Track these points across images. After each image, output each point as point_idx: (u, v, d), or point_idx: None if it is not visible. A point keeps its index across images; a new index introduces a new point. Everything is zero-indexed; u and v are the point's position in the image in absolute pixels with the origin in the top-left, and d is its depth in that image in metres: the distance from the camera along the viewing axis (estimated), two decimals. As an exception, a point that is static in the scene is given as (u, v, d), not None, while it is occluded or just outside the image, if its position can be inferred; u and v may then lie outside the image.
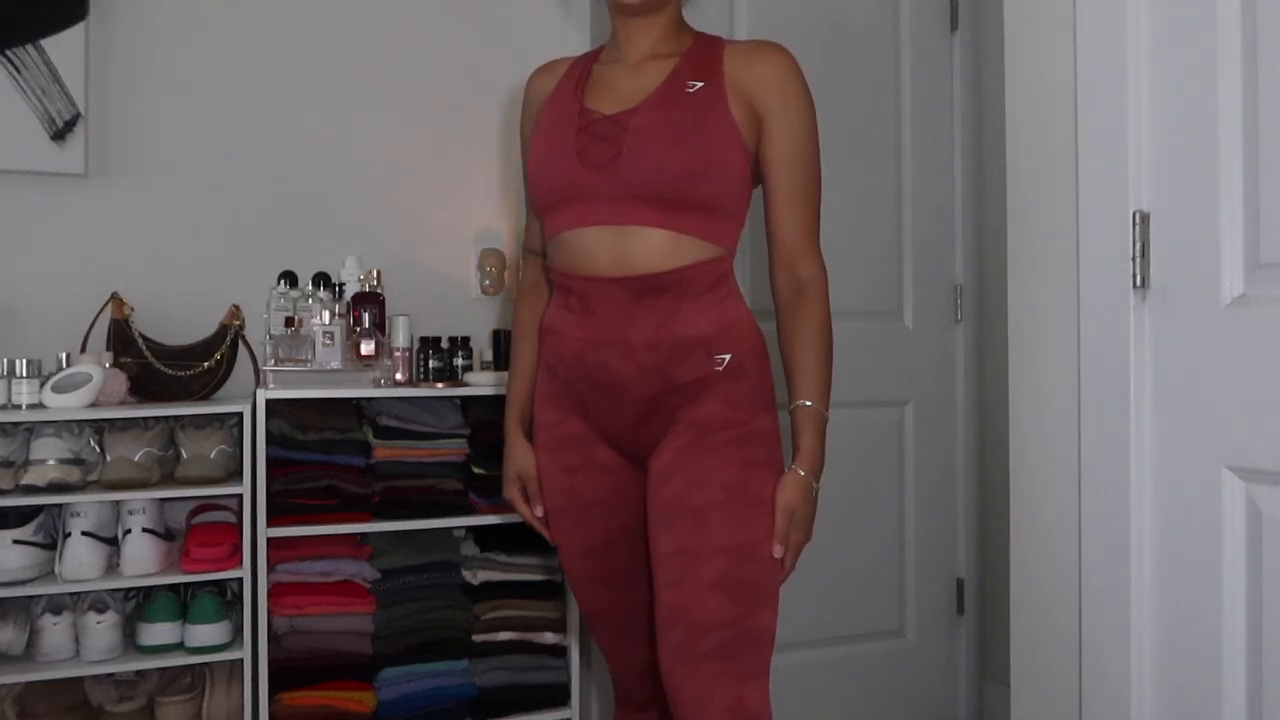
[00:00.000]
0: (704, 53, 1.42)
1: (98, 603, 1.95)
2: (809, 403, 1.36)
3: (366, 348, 2.18)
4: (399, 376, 2.21)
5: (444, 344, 2.25)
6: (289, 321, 2.17)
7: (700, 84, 1.37)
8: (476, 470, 2.16)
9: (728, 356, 1.38)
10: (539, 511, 1.52)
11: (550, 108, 1.45)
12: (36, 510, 1.94)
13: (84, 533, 1.91)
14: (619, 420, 1.42)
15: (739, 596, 1.30)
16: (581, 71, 1.47)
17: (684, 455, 1.36)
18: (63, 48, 2.13)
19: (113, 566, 1.97)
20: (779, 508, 1.33)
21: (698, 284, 1.36)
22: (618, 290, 1.35)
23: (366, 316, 2.19)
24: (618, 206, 1.34)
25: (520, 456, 1.52)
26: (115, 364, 2.04)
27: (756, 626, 1.30)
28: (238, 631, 2.04)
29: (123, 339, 2.06)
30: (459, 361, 2.24)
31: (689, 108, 1.35)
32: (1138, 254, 1.29)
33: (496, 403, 2.22)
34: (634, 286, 1.34)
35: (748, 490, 1.34)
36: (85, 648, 1.93)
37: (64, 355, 2.06)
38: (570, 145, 1.37)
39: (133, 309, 2.11)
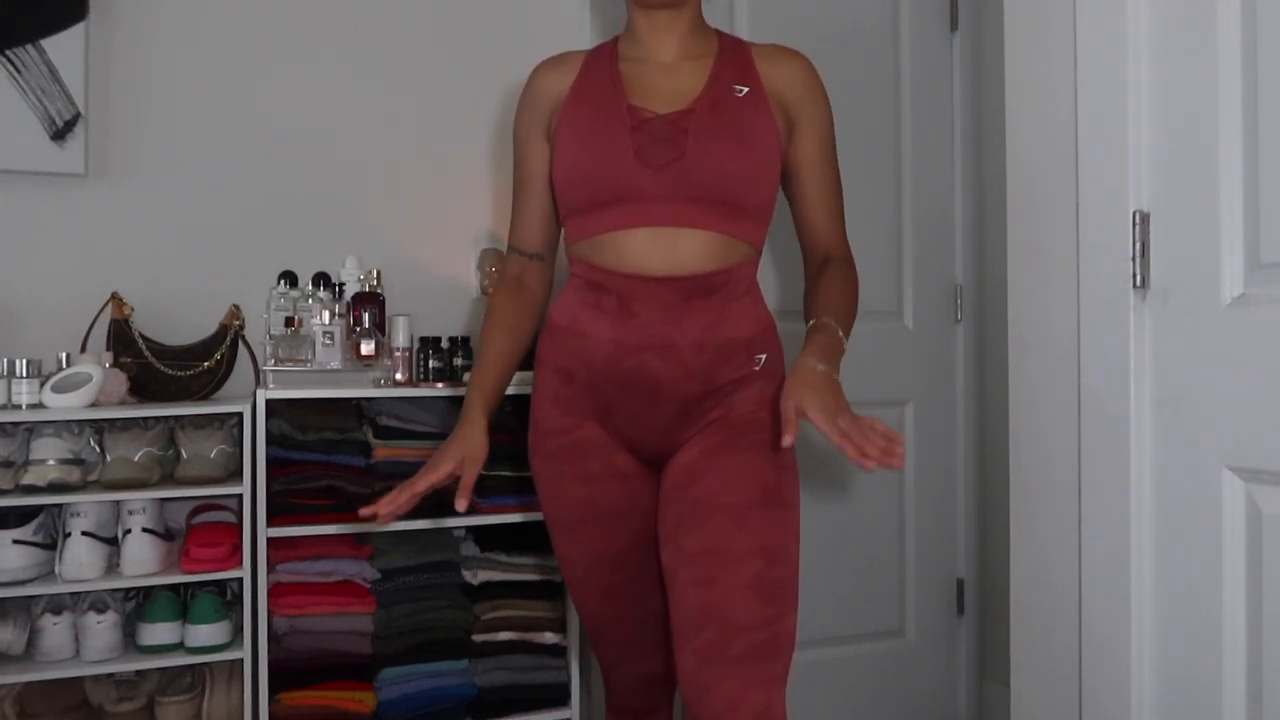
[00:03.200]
0: (736, 55, 1.42)
1: (98, 603, 1.95)
2: (828, 319, 1.32)
3: (366, 348, 2.18)
4: (399, 376, 2.20)
5: (444, 344, 2.25)
6: (289, 321, 2.17)
7: (746, 89, 1.37)
8: (476, 470, 2.16)
9: (764, 356, 1.39)
10: (438, 483, 1.34)
11: (581, 104, 1.40)
12: (36, 510, 1.94)
13: (84, 533, 1.91)
14: (651, 424, 1.39)
15: (771, 598, 1.28)
16: (608, 67, 1.42)
17: (714, 454, 1.35)
18: (63, 48, 2.12)
19: (113, 566, 1.97)
20: (812, 392, 1.18)
21: (740, 285, 1.37)
22: (667, 290, 1.33)
23: (366, 316, 2.19)
24: (674, 208, 1.33)
25: (478, 442, 1.36)
26: (115, 364, 2.04)
27: (785, 630, 1.29)
28: (238, 631, 2.04)
29: (123, 339, 2.06)
30: (459, 361, 2.23)
31: (739, 112, 1.36)
32: (1138, 254, 1.29)
33: (496, 403, 2.22)
34: (684, 287, 1.33)
35: (781, 493, 1.34)
36: (85, 648, 1.93)
37: (64, 355, 2.06)
38: (625, 144, 1.34)
39: (133, 309, 2.11)
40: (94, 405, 1.94)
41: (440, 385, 2.20)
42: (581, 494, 1.43)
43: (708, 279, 1.34)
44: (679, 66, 1.40)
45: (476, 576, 2.15)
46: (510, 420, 2.18)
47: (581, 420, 1.42)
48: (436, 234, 2.45)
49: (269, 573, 2.02)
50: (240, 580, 2.00)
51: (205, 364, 2.10)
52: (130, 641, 2.00)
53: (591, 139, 1.37)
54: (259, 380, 2.17)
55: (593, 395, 1.40)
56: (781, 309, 2.29)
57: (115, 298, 2.09)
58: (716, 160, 1.32)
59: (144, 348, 2.07)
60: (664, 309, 1.34)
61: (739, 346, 1.37)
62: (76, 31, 2.14)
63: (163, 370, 2.07)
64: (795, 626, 1.31)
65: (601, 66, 1.43)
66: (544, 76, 1.47)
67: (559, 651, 2.20)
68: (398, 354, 2.21)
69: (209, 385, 2.11)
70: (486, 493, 2.14)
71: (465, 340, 2.27)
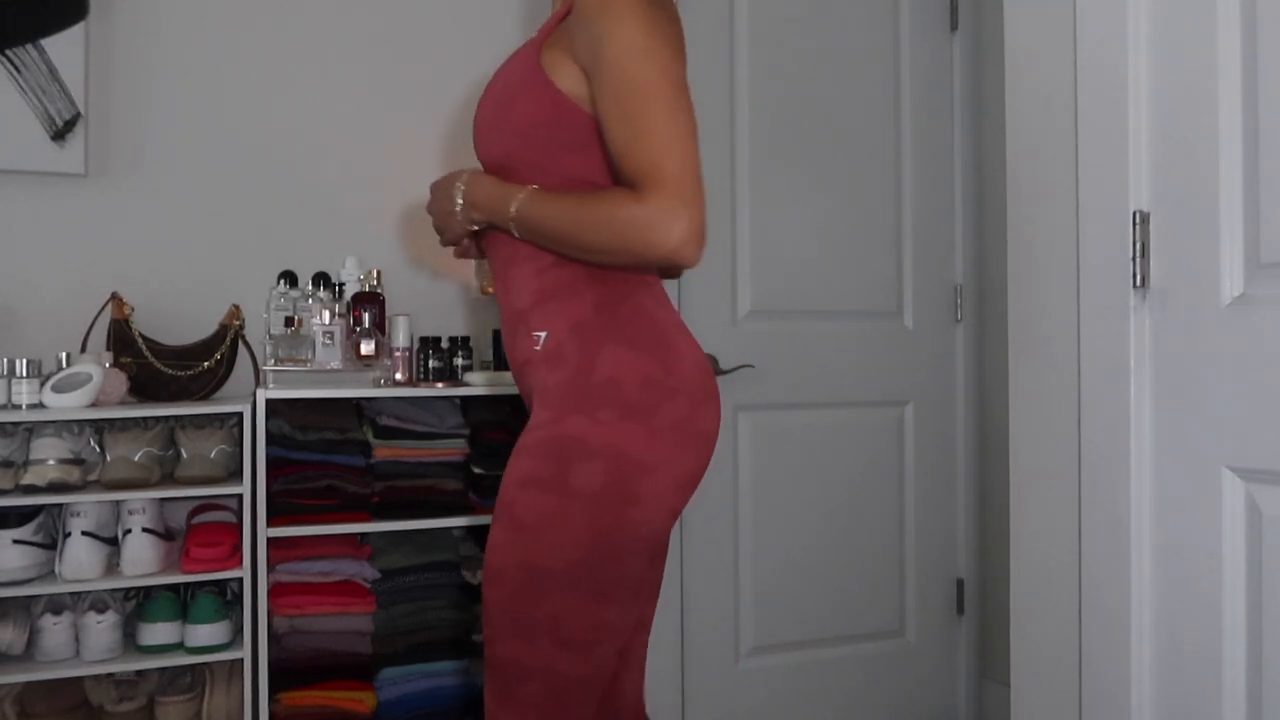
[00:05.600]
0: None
1: (98, 603, 1.95)
2: (536, 189, 1.17)
3: (366, 348, 2.18)
4: (399, 376, 2.20)
5: (444, 344, 2.25)
6: (289, 321, 2.17)
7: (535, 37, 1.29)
8: (476, 470, 2.16)
9: (544, 334, 1.19)
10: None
11: None
12: (36, 510, 1.94)
13: (84, 533, 1.91)
14: None
15: (486, 624, 1.16)
16: None
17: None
18: (63, 48, 2.13)
19: (113, 566, 1.97)
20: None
21: (515, 249, 1.26)
22: (493, 261, 1.34)
23: (366, 316, 2.19)
24: None
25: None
26: (115, 364, 2.04)
27: (495, 657, 1.15)
28: (238, 631, 2.04)
29: (123, 339, 2.06)
30: (459, 361, 2.23)
31: (509, 66, 1.33)
32: (1138, 254, 1.29)
33: (496, 403, 2.22)
34: (497, 255, 1.32)
35: (512, 510, 1.14)
36: (85, 648, 1.93)
37: (64, 355, 2.06)
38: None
39: (133, 309, 2.11)
40: (94, 405, 1.94)
41: (440, 385, 2.20)
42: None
43: (492, 243, 1.29)
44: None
45: (476, 576, 2.15)
46: (511, 420, 2.19)
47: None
48: (436, 234, 2.45)
49: (269, 573, 2.03)
50: (240, 580, 2.00)
51: (205, 364, 2.10)
52: (130, 641, 2.00)
53: None
54: (259, 380, 2.17)
55: None
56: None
57: (115, 298, 2.09)
58: (476, 116, 1.32)
59: (144, 348, 2.07)
60: (498, 280, 1.30)
61: (519, 320, 1.22)
62: (76, 31, 2.14)
63: (163, 370, 2.07)
64: (514, 653, 1.14)
65: None
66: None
67: (559, 651, 2.20)
68: (398, 354, 2.21)
69: (209, 385, 2.11)
70: (486, 493, 2.15)
71: (465, 340, 2.27)
